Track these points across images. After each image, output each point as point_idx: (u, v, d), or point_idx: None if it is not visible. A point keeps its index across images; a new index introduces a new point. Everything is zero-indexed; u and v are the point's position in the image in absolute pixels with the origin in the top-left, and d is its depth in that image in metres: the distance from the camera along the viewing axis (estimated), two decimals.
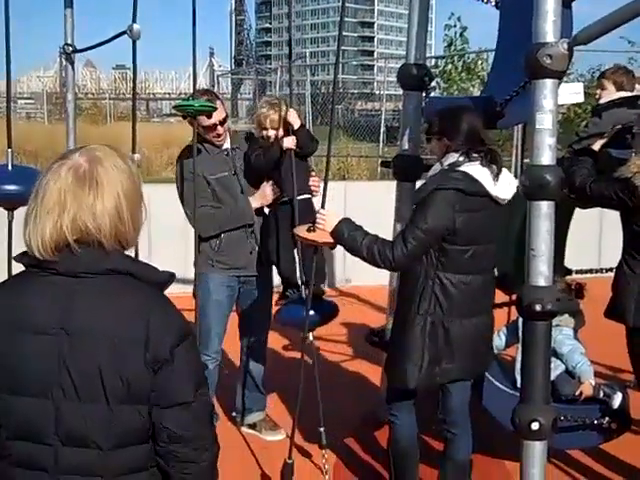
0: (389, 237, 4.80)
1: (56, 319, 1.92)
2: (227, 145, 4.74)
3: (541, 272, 3.65)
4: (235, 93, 27.05)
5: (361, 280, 8.61)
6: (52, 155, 15.04)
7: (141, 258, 3.62)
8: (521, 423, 3.64)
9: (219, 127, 4.60)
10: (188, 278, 4.85)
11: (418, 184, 4.82)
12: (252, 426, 5.17)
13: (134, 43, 3.54)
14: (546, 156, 3.57)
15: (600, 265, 5.84)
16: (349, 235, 3.70)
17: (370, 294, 8.15)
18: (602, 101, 4.90)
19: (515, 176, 3.86)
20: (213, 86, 28.05)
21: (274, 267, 4.80)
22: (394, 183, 4.93)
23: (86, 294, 1.95)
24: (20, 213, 3.92)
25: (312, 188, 4.65)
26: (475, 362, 3.92)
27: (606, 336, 4.80)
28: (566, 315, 4.61)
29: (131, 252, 3.55)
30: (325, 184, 4.09)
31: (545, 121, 3.52)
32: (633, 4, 2.96)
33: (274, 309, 4.81)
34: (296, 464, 4.34)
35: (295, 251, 4.52)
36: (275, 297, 4.92)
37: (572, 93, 4.32)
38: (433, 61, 15.81)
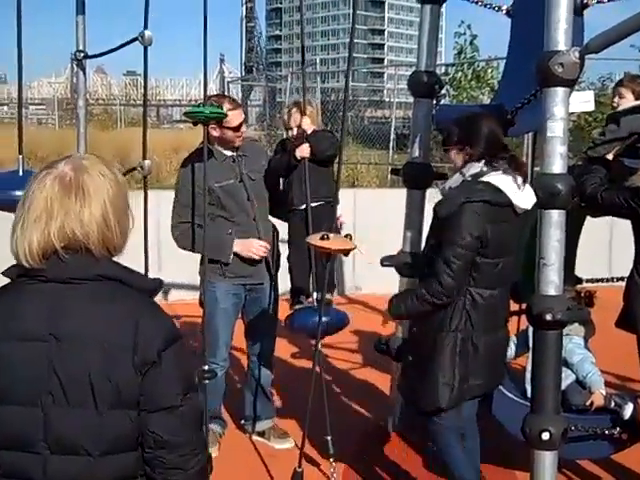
0: (398, 245, 4.83)
1: (45, 325, 1.92)
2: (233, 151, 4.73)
3: (551, 281, 3.63)
4: (245, 100, 27.04)
5: (371, 288, 8.58)
6: None
7: (150, 265, 3.67)
8: (531, 433, 3.63)
9: (243, 126, 4.64)
10: (198, 285, 4.86)
11: (428, 192, 4.83)
12: (261, 434, 5.16)
13: (145, 49, 3.53)
14: (557, 164, 3.56)
15: (611, 274, 5.79)
16: (405, 306, 3.71)
17: (380, 302, 8.08)
18: (620, 109, 4.87)
19: None
20: (223, 92, 28.06)
21: (279, 273, 4.81)
22: (404, 191, 4.92)
23: (76, 300, 1.95)
24: None
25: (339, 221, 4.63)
26: (495, 377, 3.89)
27: (617, 345, 4.78)
28: (576, 324, 4.57)
29: (140, 258, 3.58)
30: (336, 191, 4.08)
31: (556, 129, 3.51)
32: None
33: (283, 316, 4.80)
34: (305, 472, 4.32)
35: (309, 259, 4.50)
36: (283, 304, 4.91)
37: (583, 101, 4.30)
38: (443, 68, 15.77)
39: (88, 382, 1.90)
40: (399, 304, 3.76)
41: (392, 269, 4.75)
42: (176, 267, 6.14)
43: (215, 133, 4.56)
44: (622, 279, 4.62)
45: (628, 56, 14.44)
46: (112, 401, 1.91)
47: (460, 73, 15.07)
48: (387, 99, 32.48)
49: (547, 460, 3.62)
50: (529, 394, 3.96)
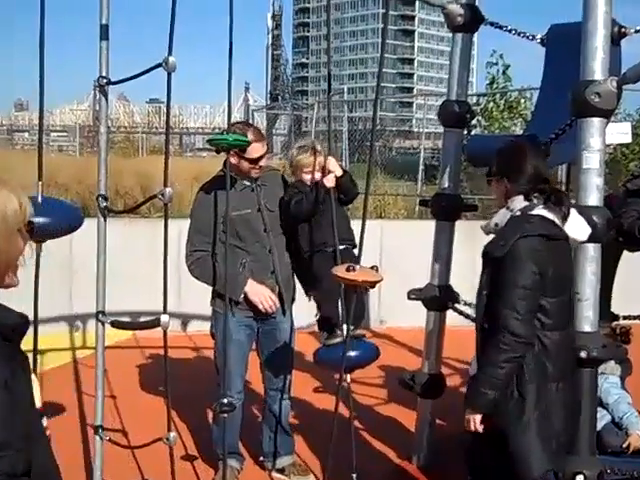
0: (426, 279, 4.72)
1: None
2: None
3: (586, 317, 3.56)
4: (270, 128, 27.14)
5: (396, 322, 8.47)
6: (83, 188, 15.19)
7: (170, 294, 3.59)
8: (565, 475, 3.52)
9: (262, 160, 4.55)
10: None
11: (457, 224, 4.74)
12: (280, 470, 5.00)
13: (169, 75, 3.48)
14: (593, 197, 3.49)
15: None
16: (489, 387, 3.25)
17: (405, 336, 7.99)
18: None
19: None
20: (247, 121, 28.26)
21: (293, 306, 4.72)
22: (432, 222, 4.83)
23: None
24: (49, 245, 3.91)
25: None
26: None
27: None
28: (612, 362, 4.46)
29: (159, 288, 3.49)
30: (363, 222, 3.97)
31: (592, 161, 3.45)
32: None
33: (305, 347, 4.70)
34: None
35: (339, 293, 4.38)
36: (304, 337, 4.80)
37: (620, 133, 4.20)
38: (475, 99, 15.68)
39: None
40: (477, 391, 3.30)
41: (418, 303, 4.66)
42: (196, 297, 6.00)
43: (233, 160, 4.45)
44: None
45: None
46: None
47: (492, 103, 14.95)
48: (416, 129, 32.52)
49: None
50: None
